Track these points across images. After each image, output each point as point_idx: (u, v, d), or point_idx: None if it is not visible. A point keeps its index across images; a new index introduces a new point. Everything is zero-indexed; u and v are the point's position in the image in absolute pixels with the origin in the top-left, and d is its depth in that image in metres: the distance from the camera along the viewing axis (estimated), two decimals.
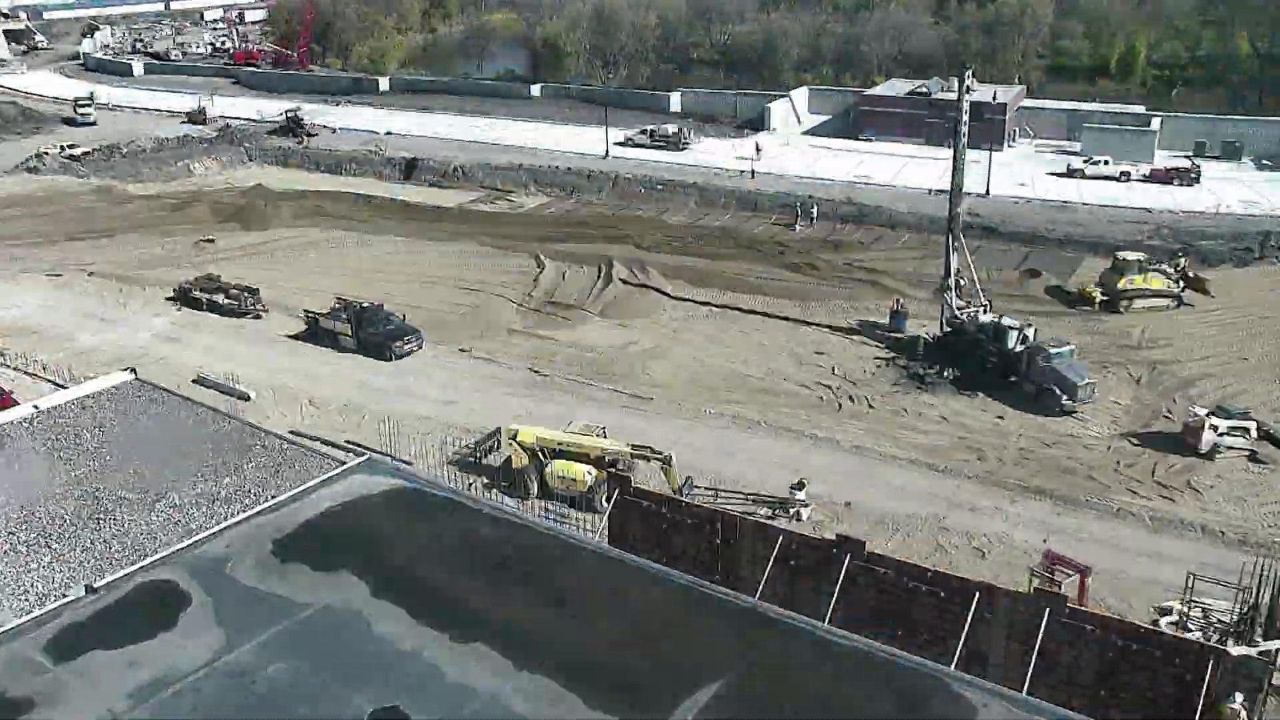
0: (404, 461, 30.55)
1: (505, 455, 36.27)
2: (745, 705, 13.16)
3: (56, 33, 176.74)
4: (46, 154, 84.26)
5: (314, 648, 14.11)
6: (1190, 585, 25.77)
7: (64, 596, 15.37)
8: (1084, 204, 67.93)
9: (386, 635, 14.27)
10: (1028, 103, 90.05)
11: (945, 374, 43.31)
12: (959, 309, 46.01)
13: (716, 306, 52.16)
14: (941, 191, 68.39)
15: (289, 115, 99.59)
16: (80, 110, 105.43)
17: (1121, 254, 53.07)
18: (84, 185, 79.60)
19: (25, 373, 43.21)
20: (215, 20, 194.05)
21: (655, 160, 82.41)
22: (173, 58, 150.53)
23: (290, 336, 49.10)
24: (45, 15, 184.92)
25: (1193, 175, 71.66)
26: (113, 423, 26.75)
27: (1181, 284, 52.12)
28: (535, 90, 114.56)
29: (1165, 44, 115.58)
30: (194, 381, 41.03)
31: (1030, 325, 43.93)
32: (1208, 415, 36.95)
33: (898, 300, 50.74)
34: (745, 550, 26.60)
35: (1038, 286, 54.88)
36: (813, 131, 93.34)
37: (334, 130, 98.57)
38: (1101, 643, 21.55)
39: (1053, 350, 41.49)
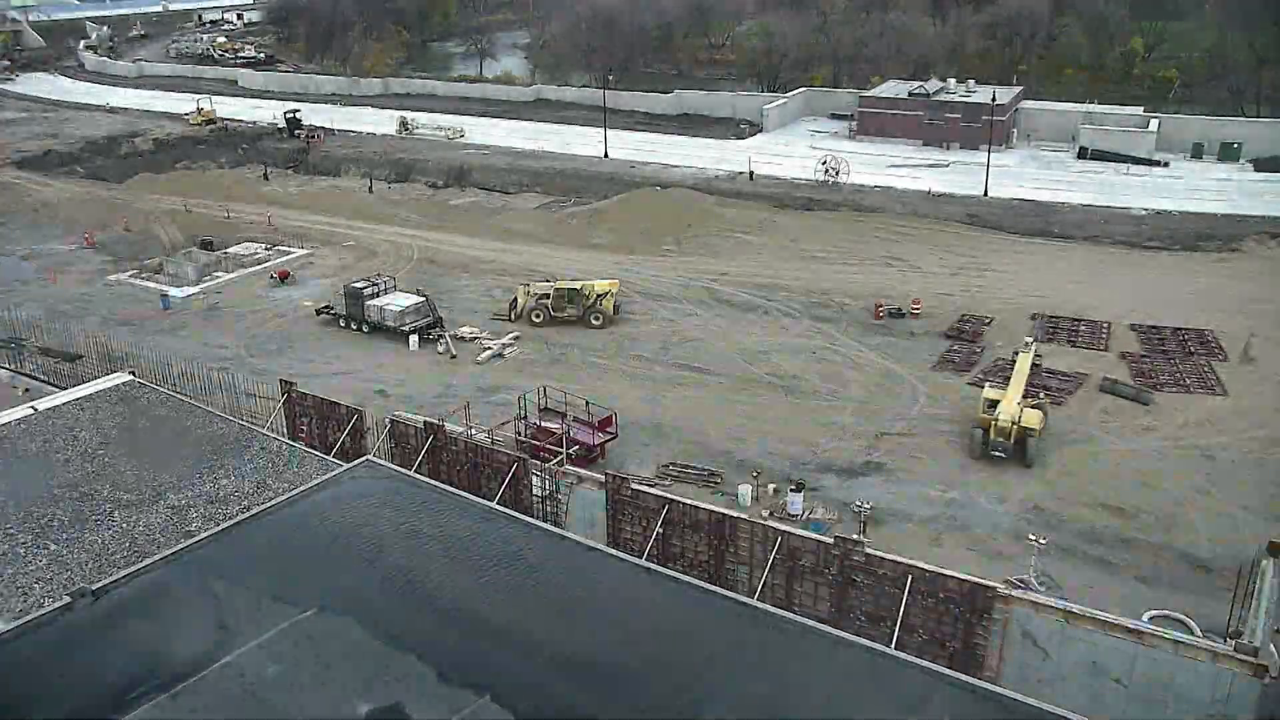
0: None
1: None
2: (746, 705, 13.13)
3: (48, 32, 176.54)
4: None
5: (313, 649, 14.08)
6: None
7: (63, 598, 15.33)
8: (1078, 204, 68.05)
9: (386, 636, 14.24)
10: (1026, 104, 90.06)
11: None
12: None
13: None
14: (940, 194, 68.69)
15: (289, 116, 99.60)
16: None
17: None
18: None
19: None
20: (213, 21, 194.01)
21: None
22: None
23: None
24: (45, 16, 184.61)
25: None
26: (111, 423, 26.72)
27: None
28: (533, 92, 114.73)
29: (1164, 44, 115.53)
30: None
31: None
32: None
33: None
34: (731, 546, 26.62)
35: None
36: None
37: (332, 132, 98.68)
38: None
39: None
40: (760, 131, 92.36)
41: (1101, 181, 73.51)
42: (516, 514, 18.74)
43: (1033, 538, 30.61)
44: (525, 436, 37.37)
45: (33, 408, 27.39)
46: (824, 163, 74.50)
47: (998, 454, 37.11)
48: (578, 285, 52.69)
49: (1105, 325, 49.66)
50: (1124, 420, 40.57)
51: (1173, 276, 56.72)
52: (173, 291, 58.43)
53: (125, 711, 12.85)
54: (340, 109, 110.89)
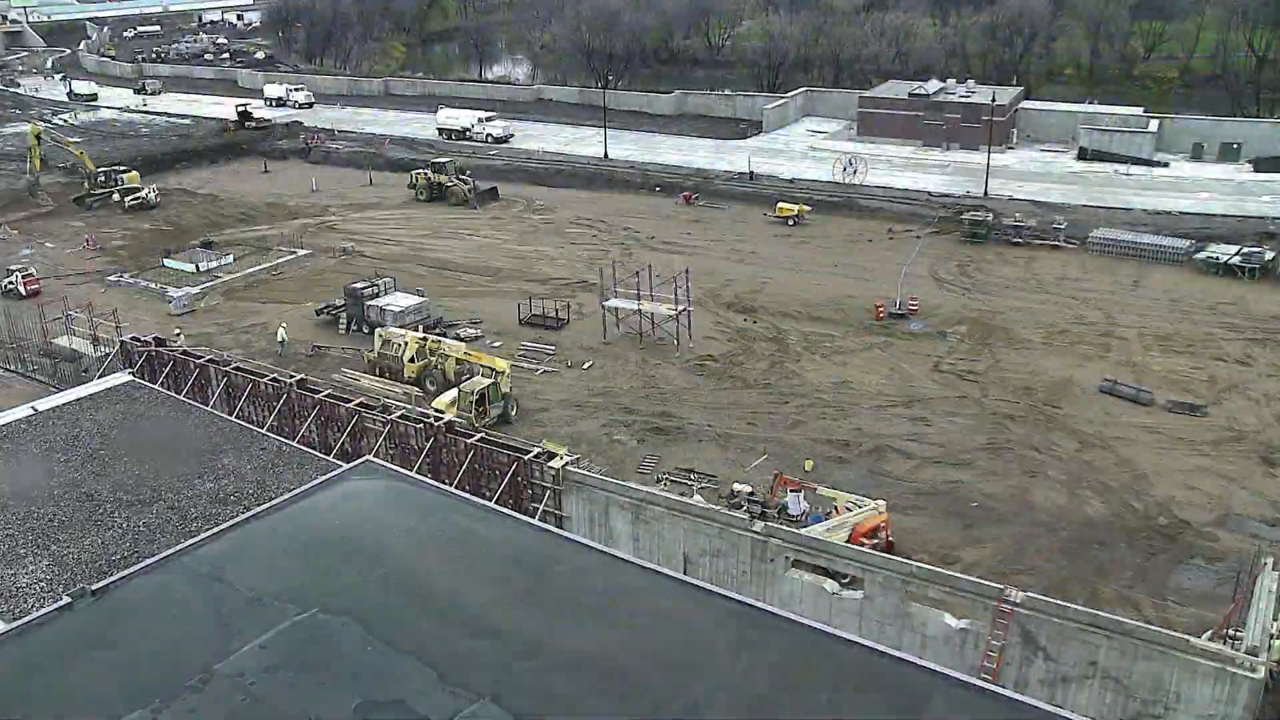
0: None
1: None
2: (746, 706, 13.13)
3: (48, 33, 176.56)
4: None
5: (313, 650, 14.08)
6: None
7: (63, 598, 15.33)
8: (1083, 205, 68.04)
9: (386, 637, 14.24)
10: (1026, 104, 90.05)
11: None
12: None
13: None
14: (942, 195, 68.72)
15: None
16: None
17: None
18: None
19: None
20: (212, 21, 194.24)
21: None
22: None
23: None
24: (44, 16, 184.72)
25: None
26: (111, 424, 26.72)
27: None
28: (533, 93, 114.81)
29: (1164, 45, 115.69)
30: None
31: None
32: None
33: None
34: None
35: None
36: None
37: (334, 132, 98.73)
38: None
39: None
40: (760, 132, 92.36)
41: (1101, 182, 73.50)
42: (516, 514, 18.75)
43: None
44: None
45: (33, 408, 27.39)
46: (849, 163, 74.75)
47: None
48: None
49: (1105, 327, 49.72)
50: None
51: (1170, 277, 56.81)
52: (173, 292, 58.44)
53: (125, 712, 12.86)
54: (339, 110, 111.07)
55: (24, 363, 47.62)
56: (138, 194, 76.55)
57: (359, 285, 53.21)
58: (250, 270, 62.74)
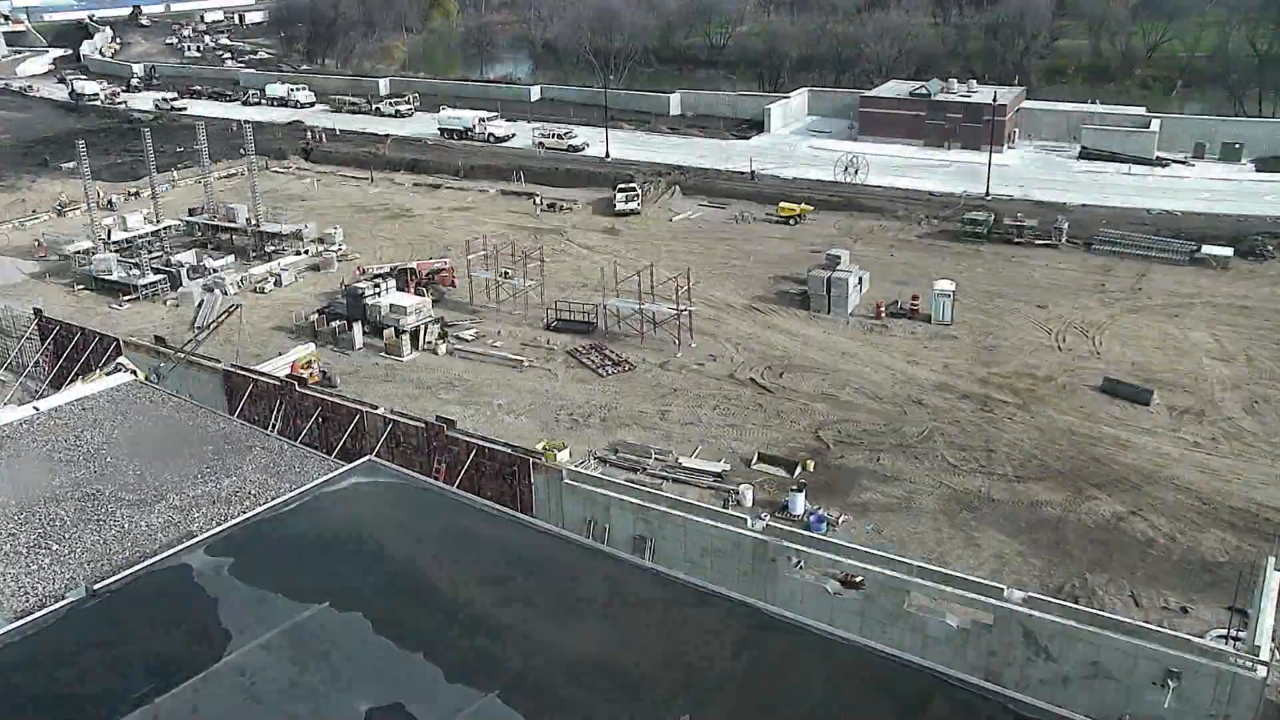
0: None
1: None
2: (745, 705, 13.15)
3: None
4: None
5: (314, 648, 14.10)
6: None
7: (65, 598, 15.37)
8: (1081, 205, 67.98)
9: (387, 635, 14.27)
10: (1027, 104, 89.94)
11: None
12: None
13: None
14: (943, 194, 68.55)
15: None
16: None
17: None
18: None
19: None
20: (215, 21, 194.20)
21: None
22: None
23: None
24: (44, 17, 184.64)
25: None
26: (113, 424, 26.74)
27: None
28: (535, 92, 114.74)
29: (1165, 44, 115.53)
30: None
31: None
32: None
33: None
34: None
35: None
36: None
37: (335, 132, 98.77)
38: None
39: None
40: (761, 131, 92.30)
41: (1103, 182, 73.41)
42: (516, 514, 18.78)
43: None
44: None
45: (35, 408, 27.41)
46: (850, 162, 74.73)
47: None
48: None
49: (1106, 327, 49.75)
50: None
51: (1171, 276, 56.78)
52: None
53: (126, 711, 12.89)
54: (340, 110, 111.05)
55: (23, 364, 47.59)
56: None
57: (359, 285, 53.20)
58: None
